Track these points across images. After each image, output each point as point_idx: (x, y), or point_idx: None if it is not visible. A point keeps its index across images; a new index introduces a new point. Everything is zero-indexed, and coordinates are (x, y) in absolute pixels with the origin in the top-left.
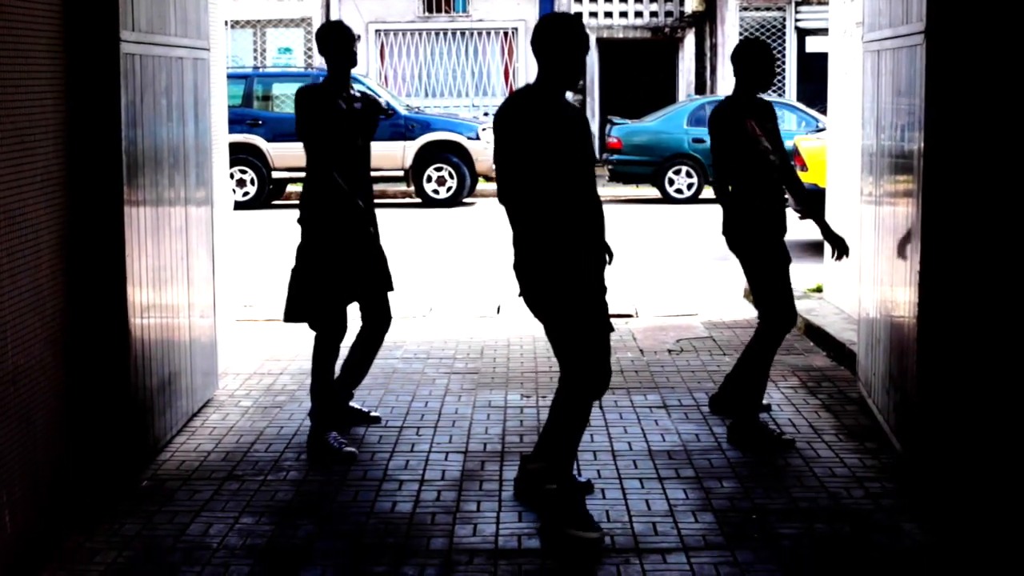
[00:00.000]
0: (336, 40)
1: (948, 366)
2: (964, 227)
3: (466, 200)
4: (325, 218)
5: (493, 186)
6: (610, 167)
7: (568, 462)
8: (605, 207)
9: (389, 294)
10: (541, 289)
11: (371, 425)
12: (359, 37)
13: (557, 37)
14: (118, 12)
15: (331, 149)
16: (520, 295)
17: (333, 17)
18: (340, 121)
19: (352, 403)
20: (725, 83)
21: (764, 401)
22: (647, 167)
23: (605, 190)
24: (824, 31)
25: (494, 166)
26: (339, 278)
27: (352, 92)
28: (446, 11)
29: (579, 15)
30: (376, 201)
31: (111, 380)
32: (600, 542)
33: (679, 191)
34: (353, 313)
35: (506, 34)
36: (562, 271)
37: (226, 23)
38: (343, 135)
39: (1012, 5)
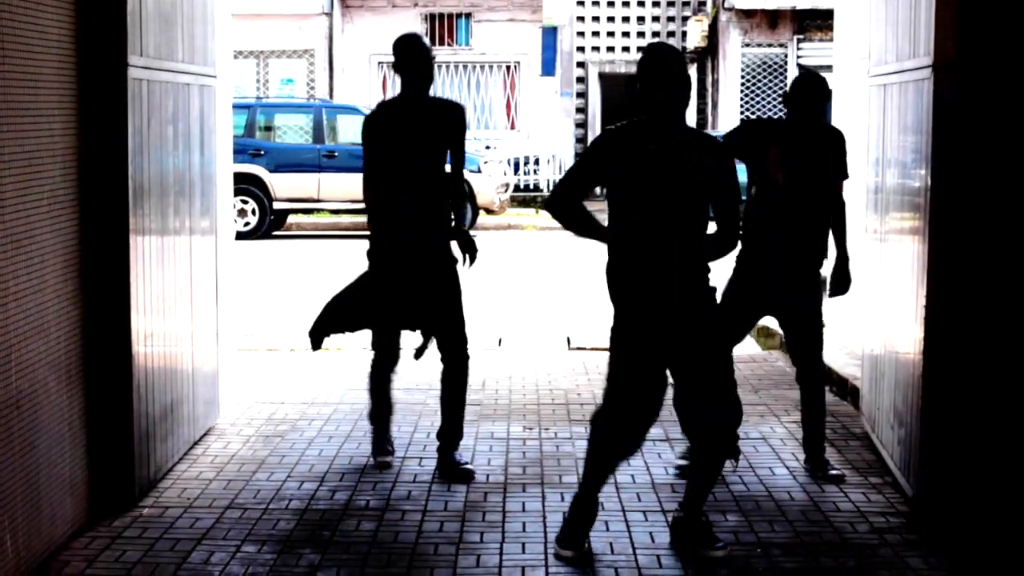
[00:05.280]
0: (397, 53)
1: (954, 402)
2: (971, 264)
3: None
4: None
5: (494, 219)
6: None
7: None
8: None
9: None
10: None
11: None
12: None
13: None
14: (126, 36)
15: (373, 169)
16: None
17: (336, 48)
18: (385, 138)
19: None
20: (726, 118)
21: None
22: None
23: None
24: (826, 67)
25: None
26: (369, 303)
27: (426, 103)
28: (448, 44)
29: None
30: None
31: (114, 406)
32: (574, 560)
33: None
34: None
35: (508, 68)
36: None
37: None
38: (387, 153)
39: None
